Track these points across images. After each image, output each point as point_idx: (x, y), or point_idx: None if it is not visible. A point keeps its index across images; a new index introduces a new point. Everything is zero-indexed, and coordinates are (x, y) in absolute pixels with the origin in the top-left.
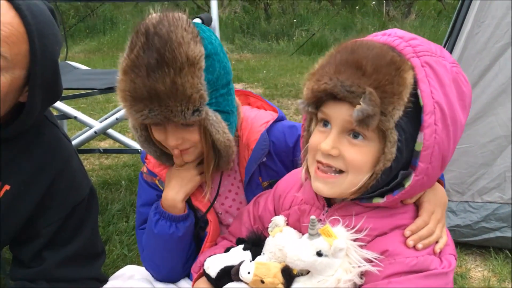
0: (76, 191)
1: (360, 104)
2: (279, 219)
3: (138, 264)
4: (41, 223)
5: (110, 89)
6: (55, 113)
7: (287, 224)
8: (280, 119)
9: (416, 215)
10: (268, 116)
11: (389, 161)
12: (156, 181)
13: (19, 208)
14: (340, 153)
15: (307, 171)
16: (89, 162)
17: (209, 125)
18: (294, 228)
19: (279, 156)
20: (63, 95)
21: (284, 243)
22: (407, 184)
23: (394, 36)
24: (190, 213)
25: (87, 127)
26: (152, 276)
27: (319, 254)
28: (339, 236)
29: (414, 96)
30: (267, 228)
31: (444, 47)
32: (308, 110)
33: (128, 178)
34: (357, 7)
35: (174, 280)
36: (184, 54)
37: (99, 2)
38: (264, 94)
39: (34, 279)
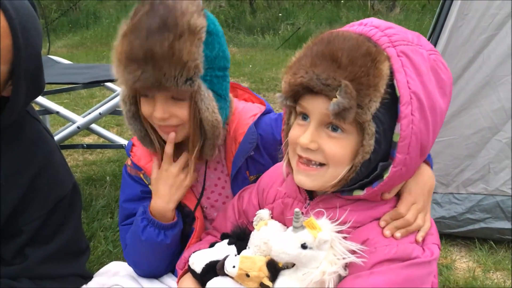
0: (59, 187)
1: (336, 97)
2: (264, 213)
3: (123, 261)
4: (23, 220)
5: (94, 83)
6: (37, 108)
7: (272, 218)
8: (267, 111)
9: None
10: (256, 109)
11: (368, 153)
12: (141, 175)
13: (0, 204)
14: (319, 146)
15: (289, 164)
16: (73, 158)
17: (199, 100)
18: (279, 222)
19: (267, 149)
20: (45, 90)
21: (269, 236)
22: (386, 175)
23: (370, 26)
24: (179, 219)
25: (70, 123)
26: (135, 271)
27: (303, 246)
28: (323, 228)
29: (391, 87)
30: (252, 222)
31: (429, 40)
32: (287, 104)
33: (112, 173)
34: (342, 1)
35: (157, 276)
36: (186, 22)
37: None
38: (250, 88)
39: (16, 276)
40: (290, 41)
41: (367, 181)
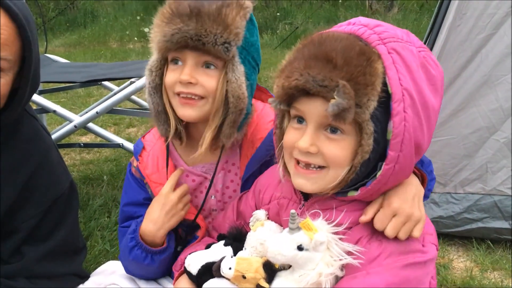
0: (56, 185)
1: (334, 98)
2: (260, 213)
3: None
4: (20, 218)
5: (91, 82)
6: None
7: (268, 218)
8: None
9: None
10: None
11: (367, 153)
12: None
13: None
14: (319, 149)
15: (284, 168)
16: (70, 157)
17: (230, 71)
18: (275, 222)
19: None
20: (42, 89)
21: (265, 237)
22: (379, 173)
23: (359, 25)
24: (170, 245)
25: (67, 121)
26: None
27: (299, 248)
28: (319, 229)
29: (383, 84)
30: (249, 223)
31: (427, 39)
32: (280, 108)
33: (110, 173)
34: (340, 1)
35: (152, 278)
36: None
37: None
38: None
39: (13, 275)
40: (288, 41)
41: (366, 181)
